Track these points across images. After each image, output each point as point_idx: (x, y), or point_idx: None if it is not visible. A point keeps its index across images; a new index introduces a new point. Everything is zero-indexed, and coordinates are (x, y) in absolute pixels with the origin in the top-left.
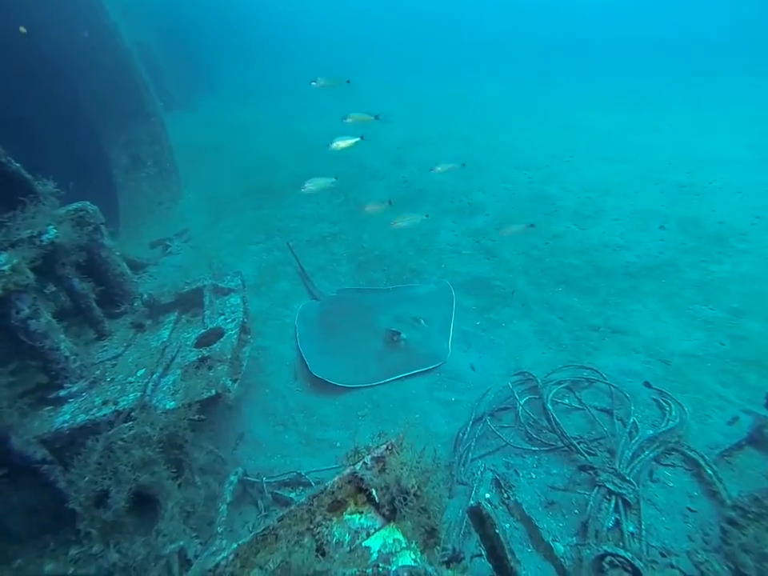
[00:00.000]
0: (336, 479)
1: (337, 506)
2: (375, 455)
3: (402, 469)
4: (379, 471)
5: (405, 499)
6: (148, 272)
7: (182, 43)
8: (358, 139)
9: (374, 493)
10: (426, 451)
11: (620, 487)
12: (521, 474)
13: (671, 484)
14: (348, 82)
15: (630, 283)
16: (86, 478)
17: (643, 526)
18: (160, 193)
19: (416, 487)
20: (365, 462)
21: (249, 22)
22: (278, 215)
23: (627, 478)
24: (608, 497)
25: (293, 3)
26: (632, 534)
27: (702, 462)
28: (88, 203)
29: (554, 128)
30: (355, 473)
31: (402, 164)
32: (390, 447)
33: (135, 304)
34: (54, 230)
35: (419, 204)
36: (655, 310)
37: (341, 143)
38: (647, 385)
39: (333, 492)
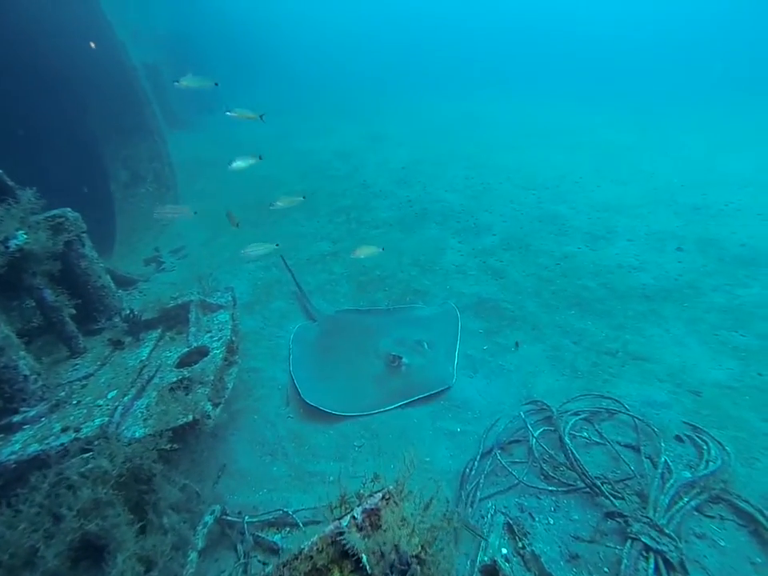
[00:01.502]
0: (315, 540)
1: None
2: (367, 507)
3: (401, 527)
4: (372, 528)
5: (404, 572)
6: (138, 288)
7: (188, 66)
8: (257, 159)
9: (364, 559)
10: (434, 502)
11: (658, 542)
12: (537, 519)
13: (723, 543)
14: (216, 84)
15: (648, 306)
16: (21, 527)
17: None
18: None
19: (419, 548)
20: (353, 517)
21: (254, 44)
22: (277, 233)
23: (666, 530)
24: (645, 554)
25: (300, 27)
26: None
27: (760, 518)
28: (68, 210)
29: (562, 149)
30: (341, 531)
31: (406, 183)
32: (386, 497)
33: (115, 320)
34: (24, 236)
35: (424, 223)
36: (678, 335)
37: (240, 163)
38: (679, 439)
39: (311, 557)
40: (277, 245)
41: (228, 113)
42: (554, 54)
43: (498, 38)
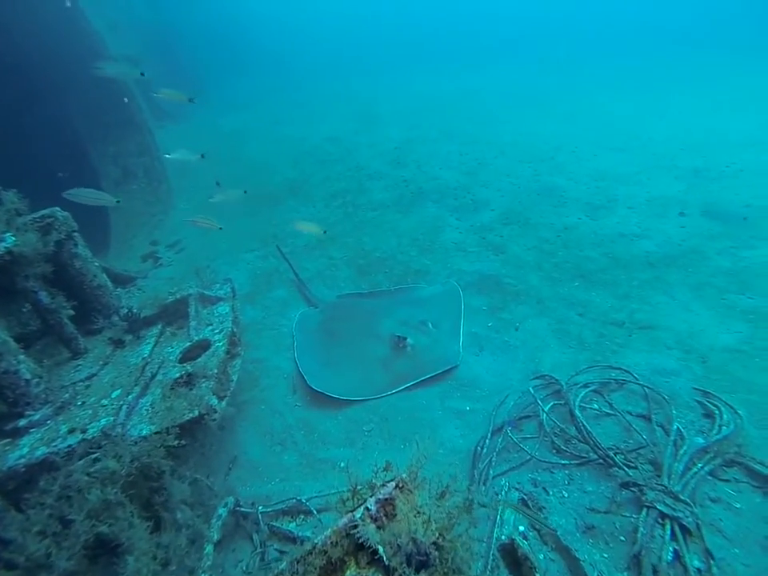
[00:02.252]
0: (329, 533)
1: (331, 570)
2: (381, 497)
3: (417, 516)
4: (387, 518)
5: (423, 562)
6: (137, 285)
7: (171, 56)
8: (198, 157)
9: (380, 551)
10: (450, 489)
11: (674, 509)
12: (551, 493)
13: (738, 505)
14: (142, 74)
15: (653, 274)
16: (35, 529)
17: (712, 561)
18: (152, 205)
19: (436, 535)
20: (367, 508)
21: (238, 32)
22: (273, 221)
23: (681, 497)
24: (661, 521)
25: (286, 12)
26: (699, 570)
27: None
28: (57, 209)
29: (557, 120)
30: (354, 524)
31: (400, 164)
32: (399, 485)
33: (113, 318)
34: (12, 238)
35: (420, 202)
36: (684, 301)
37: (177, 156)
38: (710, 417)
39: (325, 551)
40: (220, 227)
41: (155, 94)
42: (543, 27)
43: (485, 16)
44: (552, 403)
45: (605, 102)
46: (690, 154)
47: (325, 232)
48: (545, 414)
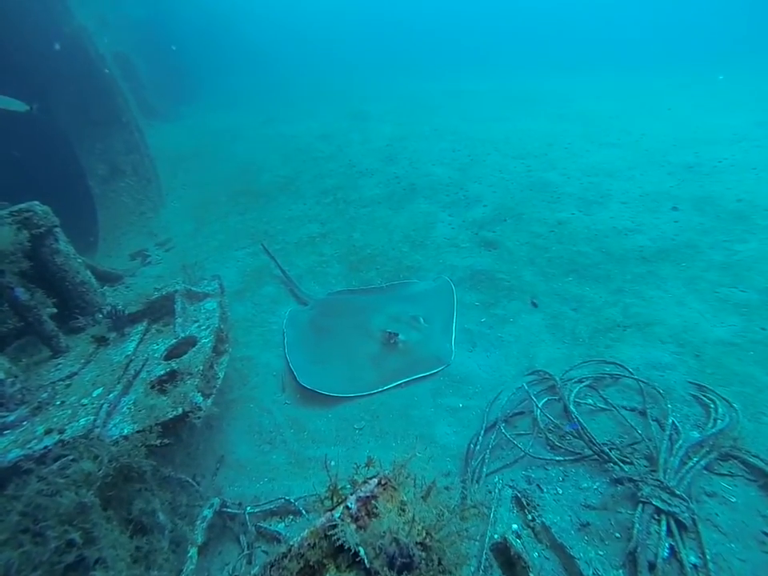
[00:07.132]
0: (306, 534)
1: (309, 574)
2: (362, 495)
3: (401, 515)
4: (368, 518)
5: (407, 564)
6: (125, 283)
7: (163, 55)
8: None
9: (361, 552)
10: (441, 483)
11: (670, 504)
12: (545, 490)
13: (734, 499)
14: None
15: (647, 268)
16: (1, 537)
17: (708, 557)
18: (141, 202)
19: (424, 534)
20: (347, 507)
21: (230, 31)
22: (264, 218)
23: (677, 492)
24: (656, 517)
25: (278, 10)
26: (695, 566)
27: None
28: (36, 203)
29: (549, 117)
30: (333, 524)
31: (392, 160)
32: (382, 482)
33: (97, 316)
34: None
35: (413, 198)
36: (678, 295)
37: None
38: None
39: (302, 554)
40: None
41: None
42: (533, 27)
43: (478, 16)
44: (546, 399)
45: (596, 103)
46: (682, 149)
47: (31, 108)
48: (539, 410)
